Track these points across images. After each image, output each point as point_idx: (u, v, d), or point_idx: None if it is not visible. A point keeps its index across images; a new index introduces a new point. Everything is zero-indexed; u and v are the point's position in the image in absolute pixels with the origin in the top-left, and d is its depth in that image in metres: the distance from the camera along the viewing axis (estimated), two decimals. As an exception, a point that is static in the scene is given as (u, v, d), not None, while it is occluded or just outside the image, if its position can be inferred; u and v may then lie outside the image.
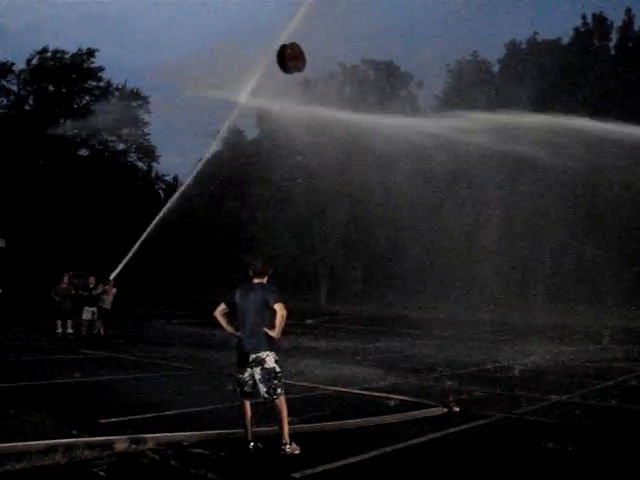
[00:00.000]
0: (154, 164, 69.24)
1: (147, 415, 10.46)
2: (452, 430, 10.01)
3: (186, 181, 36.84)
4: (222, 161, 64.33)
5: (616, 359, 19.72)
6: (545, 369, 17.40)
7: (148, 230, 29.22)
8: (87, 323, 24.68)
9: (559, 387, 14.21)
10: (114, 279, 25.96)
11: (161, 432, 8.85)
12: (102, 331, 24.13)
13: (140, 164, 68.63)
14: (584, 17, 53.65)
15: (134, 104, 64.65)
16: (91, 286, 24.93)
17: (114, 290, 24.91)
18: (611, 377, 16.07)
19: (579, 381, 15.30)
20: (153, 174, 70.84)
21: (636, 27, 52.91)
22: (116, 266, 27.72)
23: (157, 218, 29.52)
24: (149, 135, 66.33)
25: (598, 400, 12.73)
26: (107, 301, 24.42)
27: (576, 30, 53.80)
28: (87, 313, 24.63)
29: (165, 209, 30.26)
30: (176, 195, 33.34)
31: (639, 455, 8.67)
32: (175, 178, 74.19)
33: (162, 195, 72.40)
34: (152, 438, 8.53)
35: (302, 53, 13.70)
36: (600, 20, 53.20)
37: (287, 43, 13.82)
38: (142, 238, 29.07)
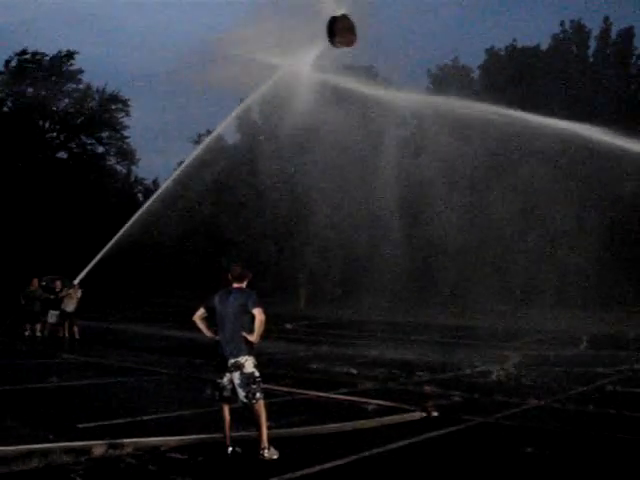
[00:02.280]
0: (133, 167, 69.05)
1: (125, 420, 10.41)
2: (431, 435, 10.04)
3: (164, 184, 36.40)
4: (202, 165, 64.34)
5: (594, 364, 19.82)
6: (523, 374, 17.46)
7: (117, 235, 29.05)
8: (51, 326, 24.69)
9: (537, 392, 14.26)
10: (79, 282, 25.91)
11: (139, 437, 8.82)
12: (67, 334, 24.03)
13: (119, 167, 68.39)
14: (562, 24, 54.01)
15: (113, 107, 64.50)
16: (57, 290, 24.90)
17: (79, 293, 24.80)
18: (589, 382, 16.14)
19: (557, 386, 15.35)
20: (132, 177, 70.62)
21: (614, 35, 53.39)
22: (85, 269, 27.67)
23: (130, 221, 29.32)
24: (129, 138, 66.19)
25: (576, 405, 12.79)
26: (70, 304, 24.28)
27: (554, 37, 54.14)
28: (52, 316, 24.61)
29: (138, 214, 29.95)
30: (152, 198, 32.99)
31: (616, 460, 8.72)
32: (155, 181, 74.05)
33: (141, 199, 72.14)
34: (130, 443, 8.51)
35: (353, 28, 13.27)
36: (578, 27, 53.56)
37: (338, 15, 13.40)
38: (111, 243, 28.92)
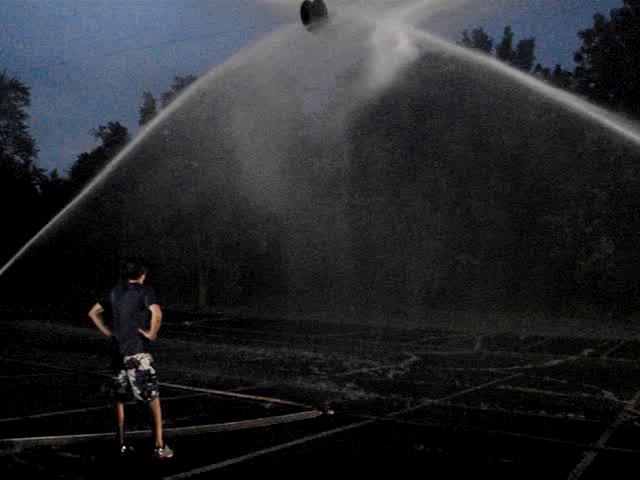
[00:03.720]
0: (32, 158, 67.18)
1: (16, 418, 10.11)
2: (326, 433, 10.13)
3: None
4: (103, 157, 63.03)
5: (487, 364, 20.36)
6: (419, 373, 17.80)
7: (34, 238, 28.10)
8: None
9: (432, 391, 14.57)
10: None
11: (29, 436, 8.58)
12: None
13: (17, 158, 66.42)
14: (465, 33, 55.15)
15: (12, 95, 62.62)
16: None
17: None
18: (481, 381, 16.59)
19: (451, 385, 15.72)
20: (30, 169, 68.69)
21: (514, 46, 55.00)
22: None
23: (54, 220, 28.31)
24: (27, 128, 64.43)
25: (468, 403, 13.12)
26: None
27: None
28: None
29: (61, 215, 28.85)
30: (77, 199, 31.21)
31: (505, 456, 8.97)
32: (54, 173, 72.27)
33: (39, 190, 70.27)
34: (19, 442, 8.26)
35: (325, 11, 13.20)
36: (480, 37, 54.82)
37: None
38: (26, 246, 27.94)
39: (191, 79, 61.19)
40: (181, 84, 61.94)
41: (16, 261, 28.02)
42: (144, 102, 64.18)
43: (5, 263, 27.49)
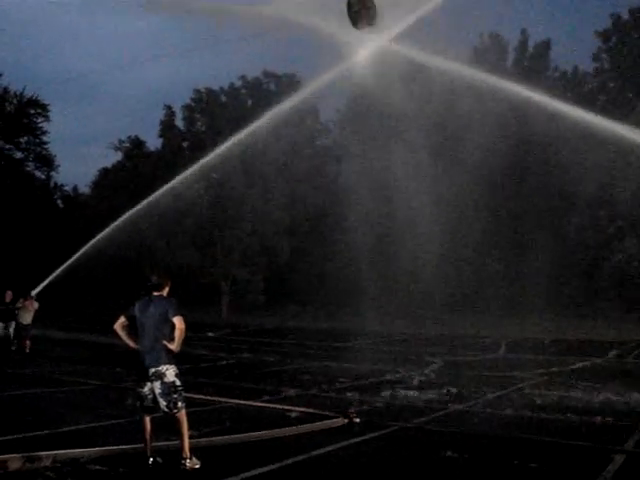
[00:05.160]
0: (53, 173, 67.48)
1: (44, 432, 10.16)
2: (353, 441, 10.10)
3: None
4: (123, 171, 63.54)
5: (512, 368, 20.24)
6: (444, 379, 17.73)
7: (84, 249, 28.29)
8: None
9: (457, 396, 14.52)
10: (36, 294, 24.94)
11: (58, 449, 8.61)
12: (27, 345, 23.03)
13: (38, 173, 66.74)
14: (481, 36, 54.97)
15: (32, 111, 62.96)
16: (7, 300, 23.78)
17: (36, 305, 23.86)
18: (507, 385, 16.50)
19: (476, 390, 15.63)
20: (52, 184, 69.04)
21: (531, 47, 54.71)
22: (26, 279, 26.78)
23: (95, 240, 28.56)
24: (48, 143, 64.72)
25: (495, 408, 13.06)
26: (26, 316, 23.32)
27: (475, 48, 54.97)
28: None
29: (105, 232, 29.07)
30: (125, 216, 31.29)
31: (532, 460, 8.92)
32: (75, 188, 72.66)
33: (61, 205, 70.65)
34: (48, 455, 8.28)
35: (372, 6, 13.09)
36: (496, 39, 54.58)
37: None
38: (76, 256, 28.10)
39: (209, 91, 61.81)
40: (199, 97, 62.42)
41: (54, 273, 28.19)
42: (164, 114, 64.44)
43: (30, 276, 27.61)
